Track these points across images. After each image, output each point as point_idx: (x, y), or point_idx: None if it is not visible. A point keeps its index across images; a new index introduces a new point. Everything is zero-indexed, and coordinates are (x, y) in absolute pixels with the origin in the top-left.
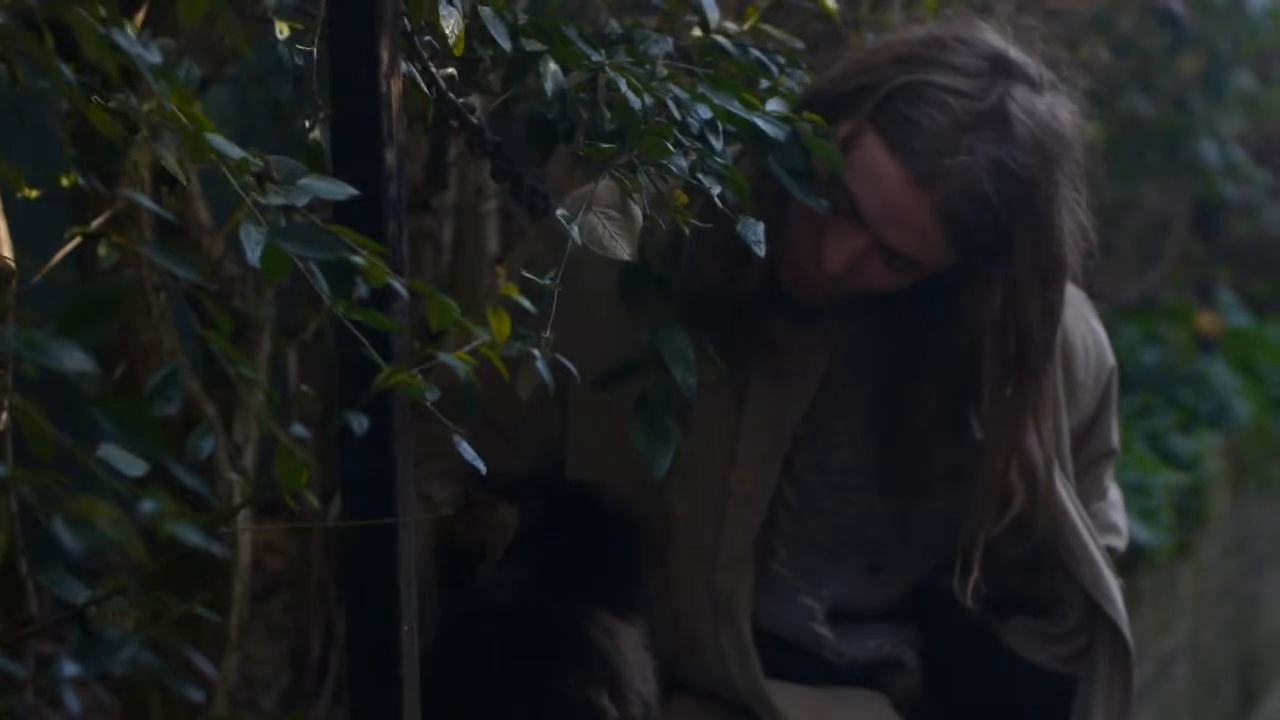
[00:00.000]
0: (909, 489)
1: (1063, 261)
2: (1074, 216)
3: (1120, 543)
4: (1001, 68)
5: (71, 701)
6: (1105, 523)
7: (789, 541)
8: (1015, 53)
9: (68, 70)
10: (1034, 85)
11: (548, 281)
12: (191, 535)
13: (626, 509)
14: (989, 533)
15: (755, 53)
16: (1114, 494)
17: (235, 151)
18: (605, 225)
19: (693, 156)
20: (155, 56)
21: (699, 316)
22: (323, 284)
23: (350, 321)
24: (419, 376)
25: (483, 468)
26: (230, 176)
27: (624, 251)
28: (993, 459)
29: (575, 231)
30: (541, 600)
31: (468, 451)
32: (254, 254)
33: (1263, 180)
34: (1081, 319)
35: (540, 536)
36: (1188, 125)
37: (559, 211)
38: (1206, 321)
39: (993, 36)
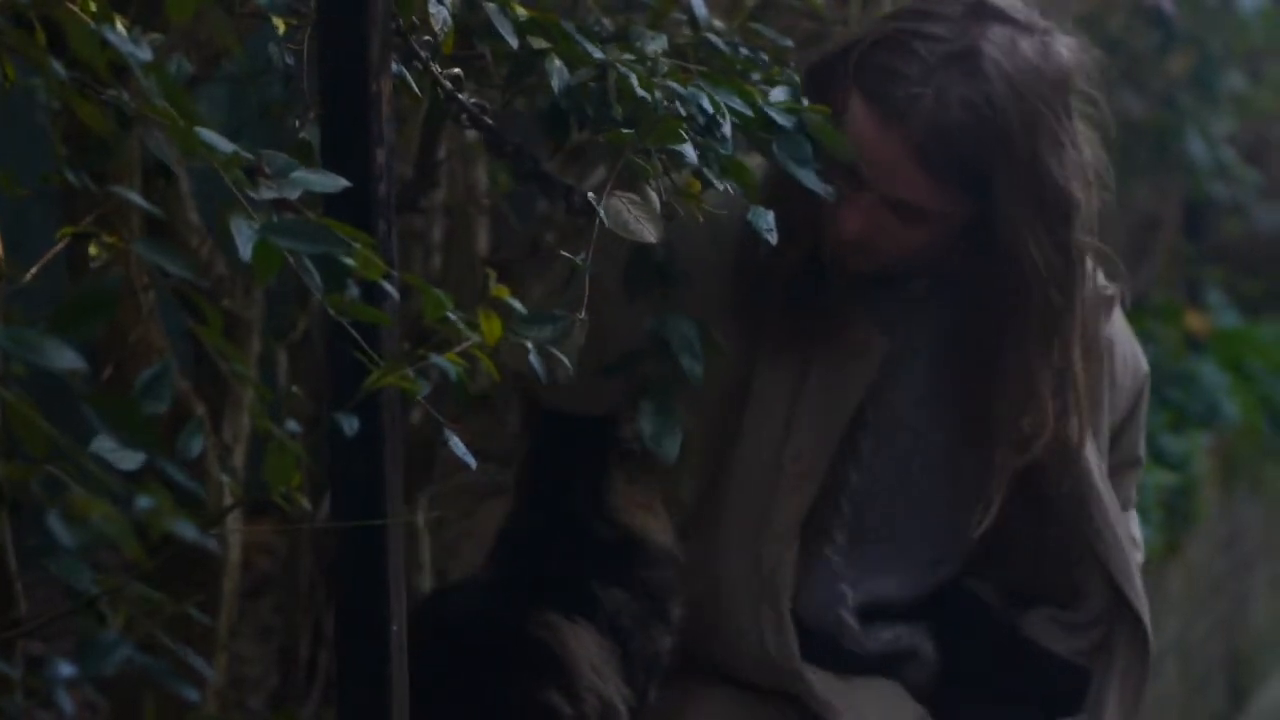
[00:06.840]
0: (989, 442)
1: (1063, 195)
2: (1073, 150)
3: (1140, 556)
4: (978, 11)
5: (65, 703)
6: (1128, 535)
7: (847, 529)
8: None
9: (58, 66)
10: (1018, 26)
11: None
12: (188, 530)
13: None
14: (1008, 465)
15: (744, 51)
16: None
17: (226, 145)
18: (630, 209)
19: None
20: (146, 53)
21: (755, 294)
22: (315, 278)
23: (341, 320)
24: (411, 376)
25: (472, 463)
26: (221, 171)
27: (650, 234)
28: (1011, 393)
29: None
30: (488, 607)
31: (459, 447)
32: (245, 249)
33: (1252, 180)
34: (1121, 324)
35: (510, 540)
36: (1178, 125)
37: (588, 194)
38: (1194, 321)
39: None
